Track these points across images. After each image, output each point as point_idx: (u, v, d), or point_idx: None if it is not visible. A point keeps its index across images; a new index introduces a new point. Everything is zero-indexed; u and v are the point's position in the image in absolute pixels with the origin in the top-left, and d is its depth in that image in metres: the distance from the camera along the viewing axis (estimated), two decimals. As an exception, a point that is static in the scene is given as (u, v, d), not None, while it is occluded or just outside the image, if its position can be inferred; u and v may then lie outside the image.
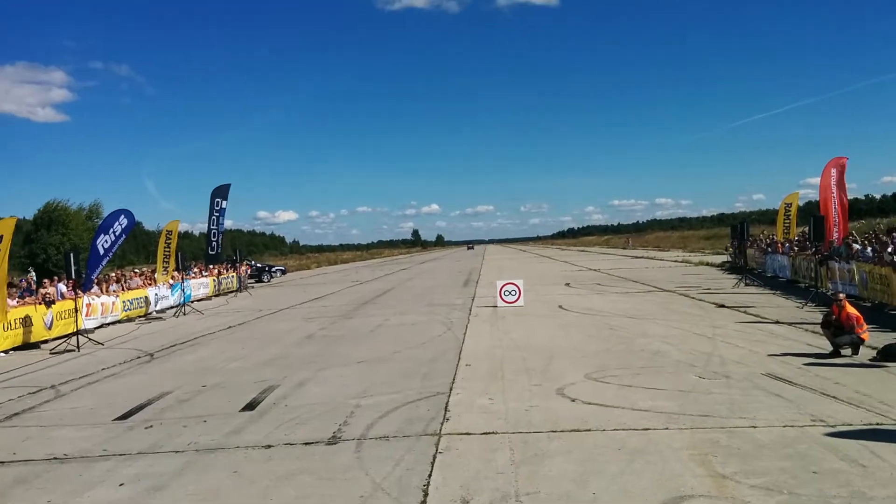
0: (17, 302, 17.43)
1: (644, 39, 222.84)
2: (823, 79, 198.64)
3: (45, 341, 17.40)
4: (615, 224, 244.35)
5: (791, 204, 29.21)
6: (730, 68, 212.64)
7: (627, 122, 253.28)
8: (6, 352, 16.04)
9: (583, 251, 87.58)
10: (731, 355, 11.27)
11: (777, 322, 14.95)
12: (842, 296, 11.31)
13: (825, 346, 11.16)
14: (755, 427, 7.20)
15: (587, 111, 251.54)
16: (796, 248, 24.94)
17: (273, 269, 50.79)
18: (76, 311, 17.80)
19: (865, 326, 10.81)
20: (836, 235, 19.80)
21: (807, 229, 21.72)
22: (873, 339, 11.22)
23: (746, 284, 23.79)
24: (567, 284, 29.25)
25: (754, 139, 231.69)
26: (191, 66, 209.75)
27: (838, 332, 10.75)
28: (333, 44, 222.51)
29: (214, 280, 33.20)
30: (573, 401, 8.73)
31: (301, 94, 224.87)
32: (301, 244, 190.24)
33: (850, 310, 10.79)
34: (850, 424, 7.15)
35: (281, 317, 21.97)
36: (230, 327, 19.61)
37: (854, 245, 19.46)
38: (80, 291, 18.62)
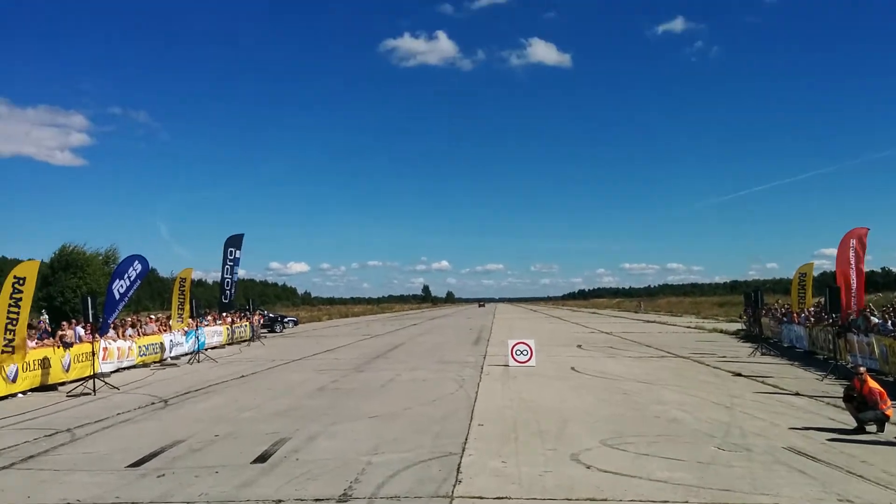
0: (37, 343, 17.53)
1: (657, 104, 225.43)
2: (840, 148, 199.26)
3: (63, 383, 17.47)
4: (626, 287, 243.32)
5: (806, 274, 29.05)
6: (745, 135, 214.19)
7: (639, 186, 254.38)
8: (24, 392, 16.11)
9: (594, 313, 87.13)
10: (750, 427, 11.07)
11: (797, 394, 14.72)
12: (863, 369, 11.12)
13: (848, 420, 10.94)
14: (778, 504, 7.04)
15: (598, 174, 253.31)
16: (813, 319, 24.72)
17: (285, 320, 50.86)
18: (93, 354, 17.87)
19: (890, 402, 10.59)
20: (853, 307, 19.65)
21: (822, 300, 21.57)
22: (897, 415, 11.02)
23: (763, 354, 23.50)
24: (579, 346, 29.07)
25: (768, 207, 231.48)
26: (208, 115, 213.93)
27: (862, 407, 10.54)
28: (349, 99, 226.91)
29: (228, 329, 33.27)
30: (588, 467, 8.60)
31: (315, 147, 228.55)
32: (312, 296, 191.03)
33: (873, 384, 10.61)
34: (878, 506, 6.99)
35: (293, 367, 21.91)
36: (243, 376, 19.57)
37: (872, 318, 19.26)
38: (97, 335, 18.72)
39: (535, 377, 17.93)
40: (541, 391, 15.48)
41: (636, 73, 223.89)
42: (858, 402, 10.59)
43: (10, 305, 15.62)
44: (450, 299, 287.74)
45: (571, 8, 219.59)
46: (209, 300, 56.18)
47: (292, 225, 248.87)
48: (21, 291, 15.80)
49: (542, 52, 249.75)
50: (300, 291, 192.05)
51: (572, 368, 20.11)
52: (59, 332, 19.31)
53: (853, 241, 19.87)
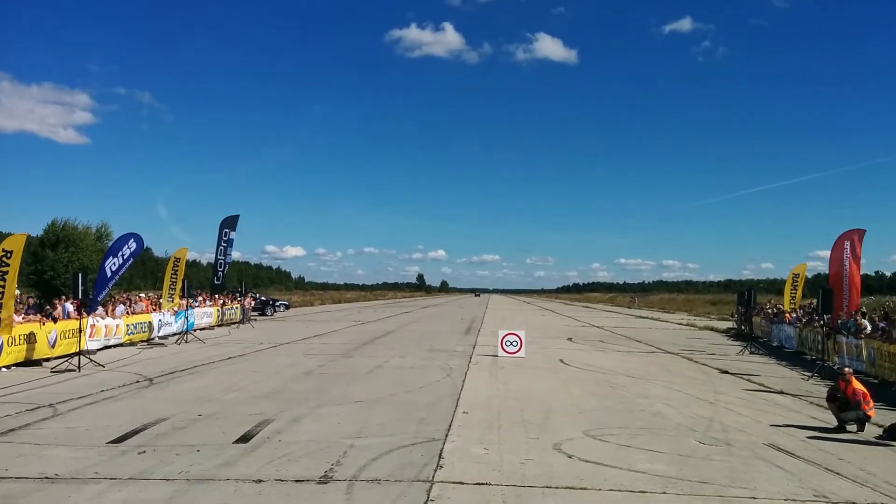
0: (23, 318, 17.45)
1: (660, 104, 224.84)
2: (840, 152, 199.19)
3: (48, 359, 17.40)
4: (621, 283, 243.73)
5: (798, 274, 29.18)
6: (746, 135, 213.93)
7: (637, 184, 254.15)
8: (8, 367, 16.04)
9: (587, 307, 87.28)
10: (732, 423, 11.13)
11: (781, 392, 14.79)
12: (848, 370, 11.18)
13: (830, 420, 11.01)
14: (755, 498, 7.07)
15: (598, 170, 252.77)
16: (804, 320, 24.81)
17: (277, 304, 50.77)
18: (80, 331, 17.80)
19: (872, 403, 10.66)
20: (845, 309, 19.70)
21: (814, 301, 21.61)
22: (880, 416, 11.08)
23: (751, 352, 23.58)
24: (569, 339, 29.13)
25: (766, 208, 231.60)
26: (212, 99, 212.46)
27: (844, 407, 10.61)
28: (352, 87, 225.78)
29: (218, 310, 33.20)
30: (570, 457, 8.63)
31: (316, 133, 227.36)
32: (306, 280, 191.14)
33: (857, 385, 10.65)
34: (854, 503, 7.02)
35: (281, 351, 21.89)
36: (230, 358, 19.55)
37: (863, 321, 19.31)
38: (84, 312, 18.65)
39: (524, 368, 17.95)
40: (528, 382, 15.50)
41: (641, 71, 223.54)
42: (841, 403, 10.64)
43: (-4, 279, 15.56)
44: (444, 288, 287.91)
45: (579, 4, 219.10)
46: (202, 281, 56.14)
47: (290, 209, 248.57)
48: (8, 265, 15.71)
49: (549, 47, 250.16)
50: (295, 276, 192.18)
51: (561, 360, 20.14)
52: (47, 308, 19.23)
53: (847, 243, 19.90)
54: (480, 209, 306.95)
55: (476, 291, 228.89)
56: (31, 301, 20.77)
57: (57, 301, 20.87)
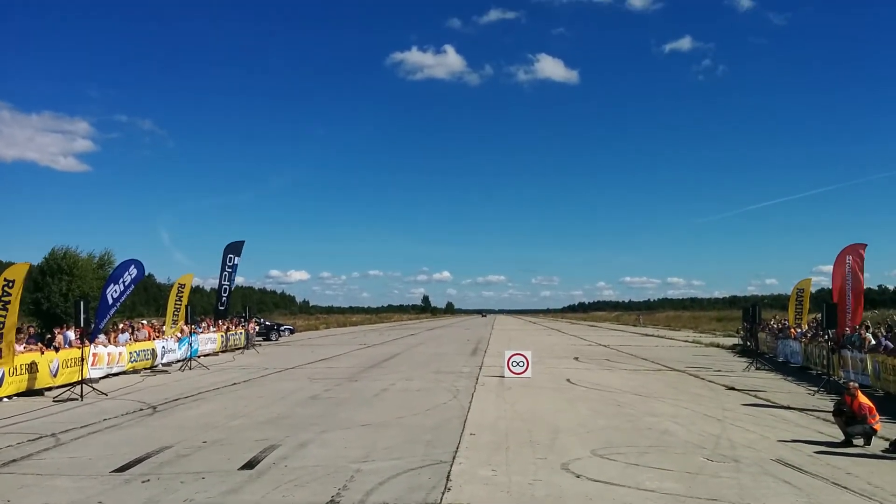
0: (24, 348, 17.42)
1: (661, 122, 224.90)
2: (842, 166, 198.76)
3: (50, 388, 17.33)
4: (626, 301, 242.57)
5: (804, 290, 29.09)
6: (749, 152, 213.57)
7: (640, 201, 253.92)
8: (10, 397, 15.98)
9: (593, 326, 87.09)
10: (740, 439, 11.07)
11: (788, 408, 14.72)
12: (854, 385, 11.17)
13: (837, 434, 10.96)
14: (764, 514, 7.02)
15: (601, 188, 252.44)
16: (809, 335, 24.72)
17: (281, 328, 50.67)
18: (82, 360, 17.77)
19: (878, 417, 10.65)
20: (848, 323, 19.63)
21: (819, 316, 21.54)
22: (886, 430, 11.04)
23: (757, 368, 23.53)
24: (576, 358, 29.03)
25: (768, 224, 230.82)
26: (214, 124, 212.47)
27: (850, 421, 10.58)
28: (353, 111, 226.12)
29: (222, 336, 33.11)
30: (578, 477, 8.58)
31: (319, 157, 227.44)
32: (311, 304, 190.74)
33: (863, 399, 10.64)
34: (863, 517, 6.97)
35: (286, 376, 21.83)
36: (235, 384, 19.49)
37: (867, 334, 19.23)
38: (86, 340, 18.61)
39: (530, 388, 17.89)
40: (535, 402, 15.45)
41: (642, 89, 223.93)
42: (848, 417, 10.63)
43: (-2, 308, 15.56)
44: (450, 310, 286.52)
45: (580, 24, 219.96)
46: (205, 307, 56.09)
47: (294, 234, 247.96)
48: (10, 294, 15.71)
49: (550, 67, 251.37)
50: (299, 300, 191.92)
51: (568, 380, 20.08)
52: (48, 337, 19.19)
53: (849, 258, 19.88)
54: (485, 230, 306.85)
55: (483, 312, 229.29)
56: (32, 330, 20.74)
57: (58, 330, 20.83)
